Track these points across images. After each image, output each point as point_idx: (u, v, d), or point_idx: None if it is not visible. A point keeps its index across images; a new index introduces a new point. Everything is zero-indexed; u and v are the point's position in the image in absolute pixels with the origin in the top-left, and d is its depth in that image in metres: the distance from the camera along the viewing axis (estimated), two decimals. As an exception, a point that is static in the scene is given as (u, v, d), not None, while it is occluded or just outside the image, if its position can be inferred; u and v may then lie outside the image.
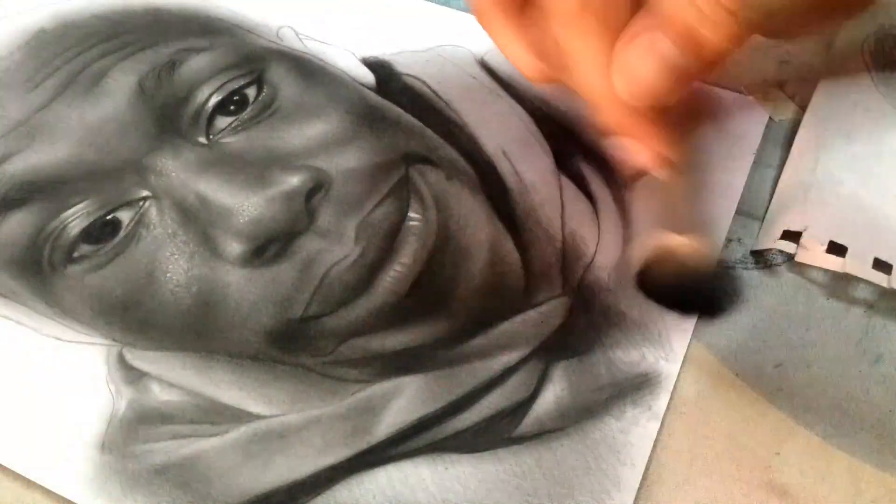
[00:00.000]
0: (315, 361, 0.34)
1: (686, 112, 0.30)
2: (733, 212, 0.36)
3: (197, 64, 0.36)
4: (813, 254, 0.34)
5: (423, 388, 0.33)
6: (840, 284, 0.35)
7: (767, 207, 0.37)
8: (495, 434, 0.32)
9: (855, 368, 0.33)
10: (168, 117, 0.35)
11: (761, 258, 0.35)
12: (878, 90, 0.38)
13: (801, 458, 0.31)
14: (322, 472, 0.32)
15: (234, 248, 0.33)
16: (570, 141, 0.38)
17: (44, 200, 0.34)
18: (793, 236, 0.35)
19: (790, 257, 0.35)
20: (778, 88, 0.39)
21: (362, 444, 0.32)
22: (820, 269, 0.34)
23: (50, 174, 0.34)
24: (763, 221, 0.36)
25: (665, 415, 0.32)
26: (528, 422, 0.32)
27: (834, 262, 0.34)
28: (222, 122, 0.36)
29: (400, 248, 0.34)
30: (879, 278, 0.34)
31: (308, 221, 0.34)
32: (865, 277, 0.34)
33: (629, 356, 0.33)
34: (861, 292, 0.34)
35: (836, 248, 0.34)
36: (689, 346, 0.34)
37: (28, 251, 0.34)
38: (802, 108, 0.39)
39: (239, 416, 0.33)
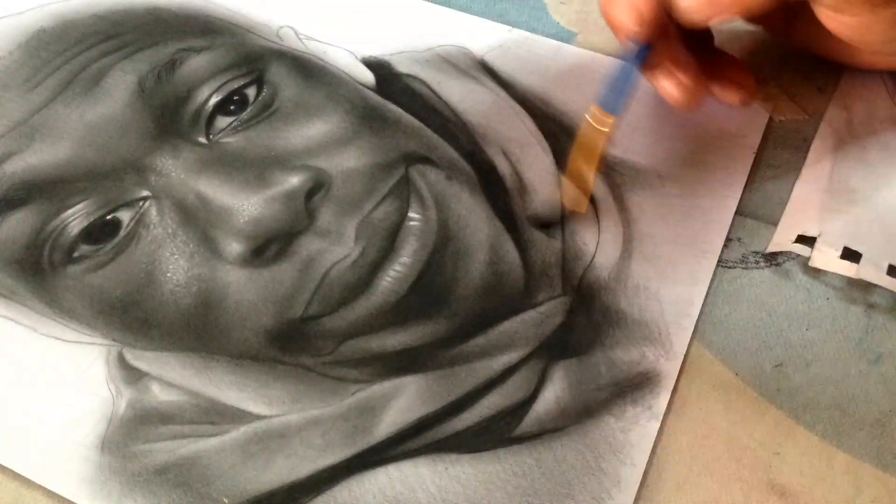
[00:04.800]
0: (315, 361, 0.34)
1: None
2: (733, 212, 0.36)
3: (197, 64, 0.36)
4: (827, 259, 0.35)
5: (423, 388, 0.33)
6: (840, 284, 0.35)
7: (769, 207, 0.37)
8: (495, 434, 0.32)
9: (855, 368, 0.33)
10: (168, 117, 0.35)
11: (773, 261, 0.36)
12: (894, 100, 0.38)
13: (801, 458, 0.31)
14: (322, 472, 0.32)
15: (234, 247, 0.33)
16: (570, 141, 0.38)
17: (44, 200, 0.34)
18: (807, 241, 0.35)
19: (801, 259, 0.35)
20: (778, 89, 0.39)
21: (362, 444, 0.32)
22: (834, 273, 0.35)
23: (50, 174, 0.34)
24: (776, 224, 0.36)
25: (665, 414, 0.32)
26: (529, 421, 0.32)
27: (848, 268, 0.34)
28: (222, 121, 0.36)
29: (400, 248, 0.34)
30: (894, 285, 0.34)
31: (308, 221, 0.34)
32: (880, 283, 0.34)
33: (629, 355, 0.33)
34: (861, 292, 0.34)
35: (851, 254, 0.35)
36: (689, 346, 0.34)
37: (28, 251, 0.34)
38: (804, 109, 0.39)
39: (239, 416, 0.33)
